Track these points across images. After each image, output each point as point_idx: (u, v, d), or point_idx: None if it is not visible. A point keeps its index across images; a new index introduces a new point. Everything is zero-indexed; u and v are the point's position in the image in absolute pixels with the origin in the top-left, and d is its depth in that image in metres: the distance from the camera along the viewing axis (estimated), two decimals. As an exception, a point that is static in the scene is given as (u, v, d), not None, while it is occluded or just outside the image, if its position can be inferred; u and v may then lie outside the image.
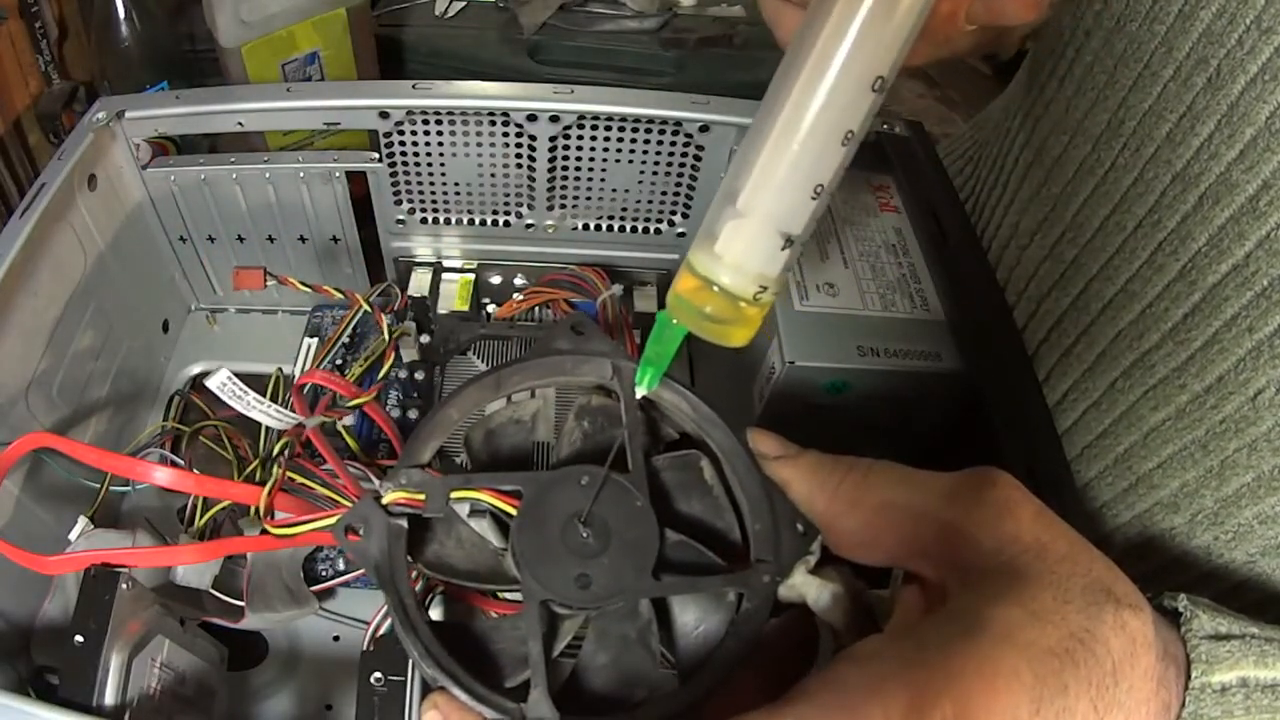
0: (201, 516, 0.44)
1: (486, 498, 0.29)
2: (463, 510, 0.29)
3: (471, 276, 0.58)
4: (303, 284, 0.50)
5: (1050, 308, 0.45)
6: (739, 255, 0.26)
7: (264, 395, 0.52)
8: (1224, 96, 0.34)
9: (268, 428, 0.45)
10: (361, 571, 0.44)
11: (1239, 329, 0.34)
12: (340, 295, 0.51)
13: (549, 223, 0.56)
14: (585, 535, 0.27)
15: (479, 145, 0.52)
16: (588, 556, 0.27)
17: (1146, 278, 0.38)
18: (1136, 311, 0.39)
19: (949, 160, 0.62)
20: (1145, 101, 0.38)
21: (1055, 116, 0.46)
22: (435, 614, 0.35)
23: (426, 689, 0.26)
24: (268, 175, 0.52)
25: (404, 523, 0.28)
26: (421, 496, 0.28)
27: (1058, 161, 0.45)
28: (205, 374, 0.57)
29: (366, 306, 0.51)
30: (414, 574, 0.30)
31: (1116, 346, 0.40)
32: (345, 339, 0.54)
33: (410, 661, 0.35)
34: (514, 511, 0.28)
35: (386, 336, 0.50)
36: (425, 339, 0.54)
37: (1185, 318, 0.36)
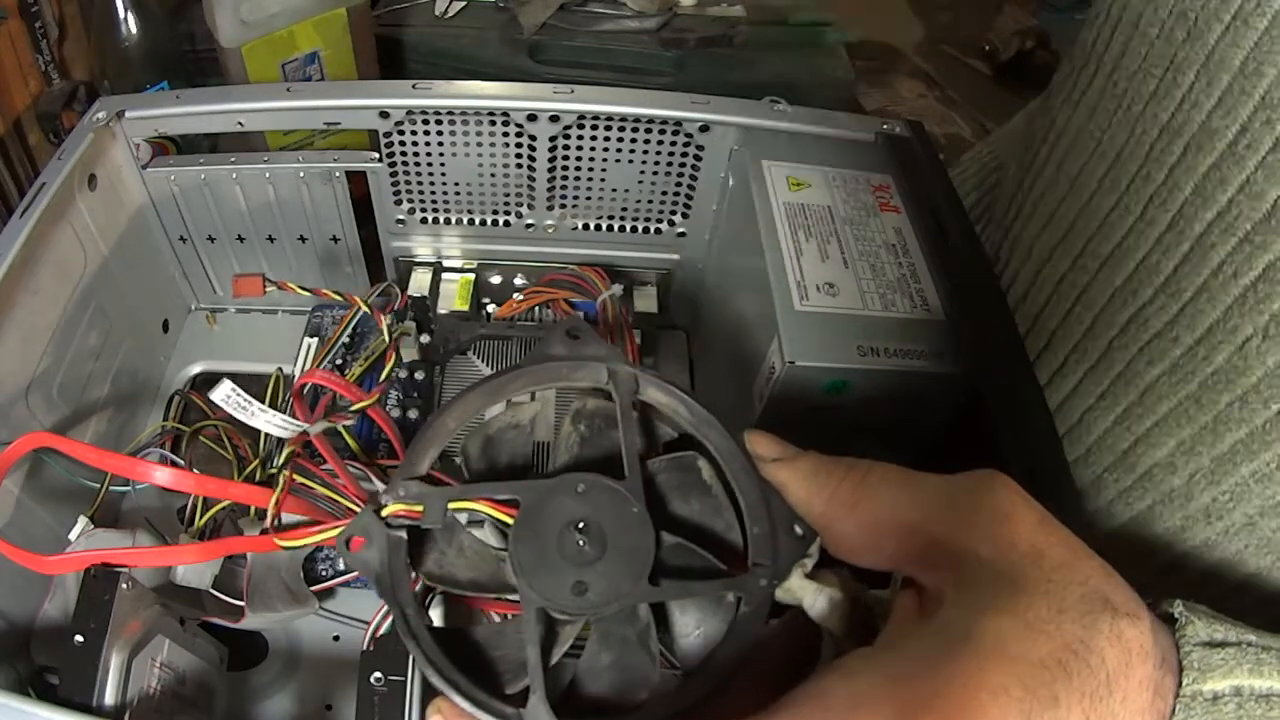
0: (201, 516, 0.44)
1: (484, 508, 0.29)
2: (462, 519, 0.29)
3: (471, 276, 0.58)
4: (302, 288, 0.50)
5: (1049, 274, 0.46)
6: None
7: (264, 395, 0.52)
8: (1201, 46, 0.34)
9: (267, 428, 0.45)
10: (361, 571, 0.44)
11: (1225, 276, 0.34)
12: (339, 298, 0.51)
13: (549, 223, 0.56)
14: (582, 542, 0.27)
15: (479, 145, 0.52)
16: (584, 563, 0.27)
17: (1140, 232, 0.39)
18: (1131, 267, 0.39)
19: (968, 167, 0.63)
20: (1134, 62, 0.39)
21: (1065, 91, 0.47)
22: (435, 614, 0.35)
23: (427, 689, 0.26)
24: (268, 175, 0.52)
25: (403, 534, 0.28)
26: (420, 508, 0.28)
27: (1063, 132, 0.46)
28: (206, 374, 0.57)
29: (366, 308, 0.51)
30: (414, 577, 0.30)
31: (1113, 304, 0.41)
32: (345, 339, 0.54)
33: (410, 661, 0.35)
34: (511, 521, 0.28)
35: (387, 338, 0.50)
36: (425, 339, 0.54)
37: (1176, 269, 0.37)
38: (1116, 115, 0.40)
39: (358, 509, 0.36)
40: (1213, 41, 0.34)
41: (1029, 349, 0.46)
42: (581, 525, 0.28)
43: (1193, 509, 0.38)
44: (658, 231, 0.57)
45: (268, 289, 0.53)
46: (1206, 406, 0.36)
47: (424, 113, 0.50)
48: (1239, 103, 0.33)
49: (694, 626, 0.29)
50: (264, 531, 0.38)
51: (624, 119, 0.51)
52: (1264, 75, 0.31)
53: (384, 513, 0.28)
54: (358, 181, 0.54)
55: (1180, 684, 0.24)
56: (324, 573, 0.46)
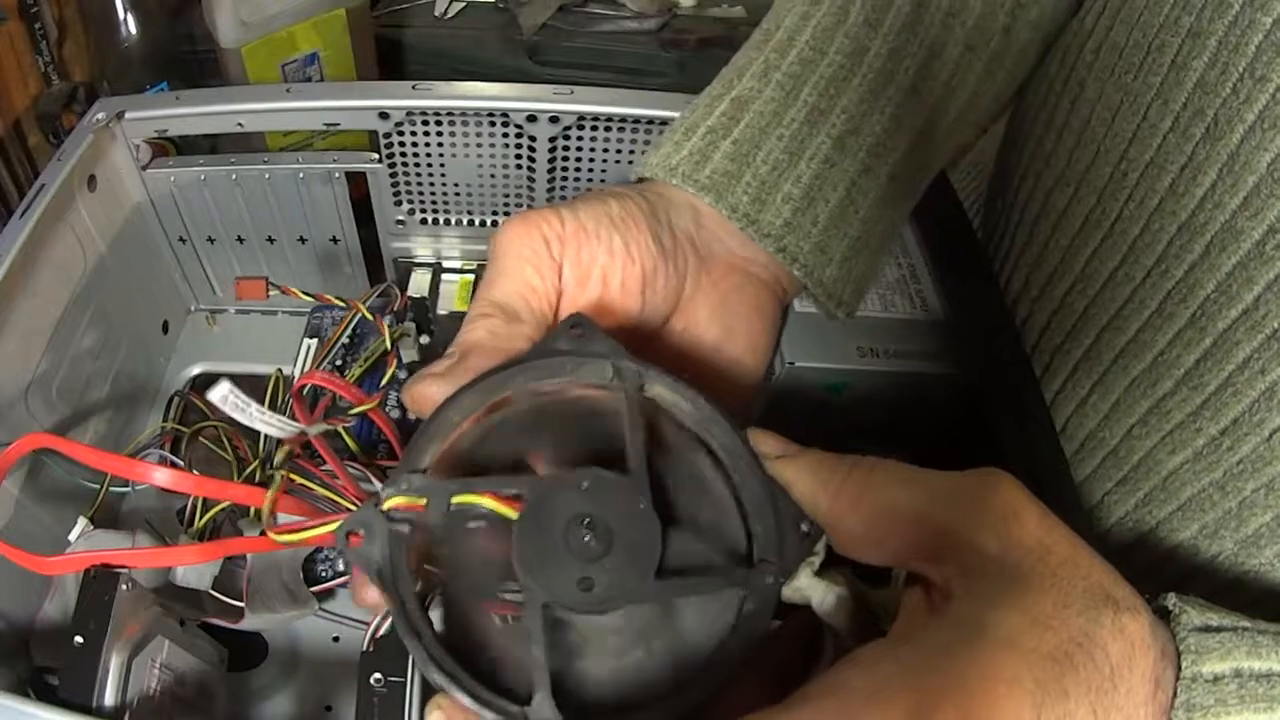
0: (201, 517, 0.44)
1: (488, 502, 0.28)
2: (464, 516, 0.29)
3: (471, 277, 0.58)
4: (305, 293, 0.50)
5: (1063, 360, 0.45)
6: None
7: (264, 396, 0.52)
8: (1223, 146, 0.34)
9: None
10: (361, 572, 0.44)
11: (1251, 372, 0.34)
12: (342, 303, 0.51)
13: (549, 223, 0.56)
14: (588, 538, 0.27)
15: (479, 146, 0.52)
16: (590, 559, 0.27)
17: (1157, 326, 0.38)
18: (1148, 360, 0.39)
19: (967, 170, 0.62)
20: (1146, 154, 0.38)
21: (1058, 170, 0.46)
22: (434, 615, 0.35)
23: (427, 690, 0.26)
24: (267, 176, 0.52)
25: (405, 528, 0.28)
26: (423, 501, 0.28)
27: (1064, 214, 0.45)
28: (205, 375, 0.57)
29: (366, 314, 0.51)
30: (415, 574, 0.30)
31: (1130, 395, 0.40)
32: (345, 339, 0.54)
33: (410, 662, 0.35)
34: (515, 515, 0.28)
35: (389, 344, 0.50)
36: (425, 340, 0.54)
37: (1197, 363, 0.36)
38: (1127, 208, 0.40)
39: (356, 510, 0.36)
40: (1236, 142, 0.33)
41: None
42: (588, 521, 0.27)
43: (1214, 587, 0.38)
44: (657, 232, 0.57)
45: (270, 293, 0.53)
46: (1232, 493, 0.36)
47: (424, 113, 0.50)
48: (1267, 204, 0.32)
49: (698, 627, 0.28)
50: (262, 532, 0.38)
51: (624, 119, 0.51)
52: None
53: (386, 506, 0.28)
54: (357, 182, 0.54)
55: (1180, 671, 0.24)
56: (324, 574, 0.46)
